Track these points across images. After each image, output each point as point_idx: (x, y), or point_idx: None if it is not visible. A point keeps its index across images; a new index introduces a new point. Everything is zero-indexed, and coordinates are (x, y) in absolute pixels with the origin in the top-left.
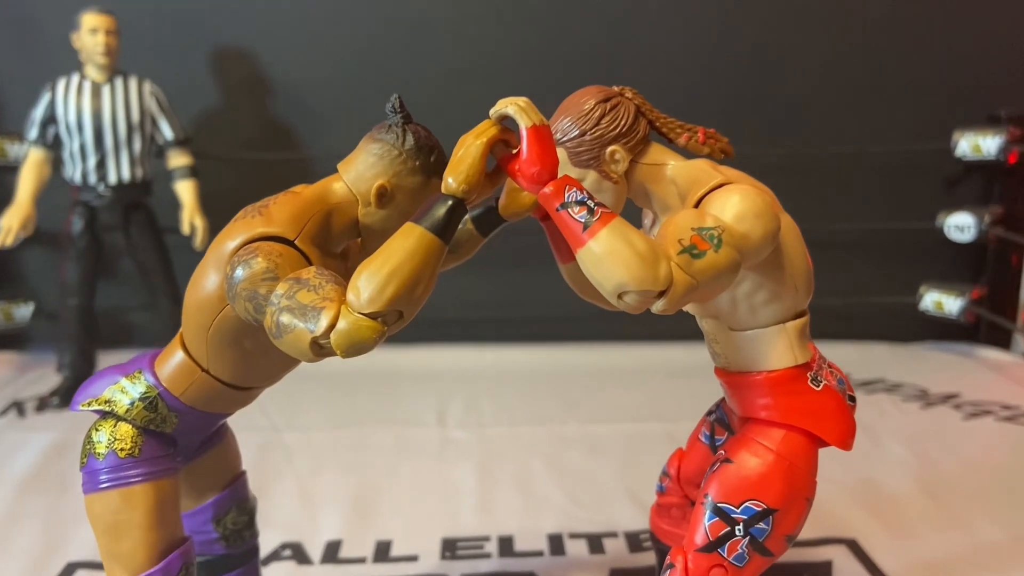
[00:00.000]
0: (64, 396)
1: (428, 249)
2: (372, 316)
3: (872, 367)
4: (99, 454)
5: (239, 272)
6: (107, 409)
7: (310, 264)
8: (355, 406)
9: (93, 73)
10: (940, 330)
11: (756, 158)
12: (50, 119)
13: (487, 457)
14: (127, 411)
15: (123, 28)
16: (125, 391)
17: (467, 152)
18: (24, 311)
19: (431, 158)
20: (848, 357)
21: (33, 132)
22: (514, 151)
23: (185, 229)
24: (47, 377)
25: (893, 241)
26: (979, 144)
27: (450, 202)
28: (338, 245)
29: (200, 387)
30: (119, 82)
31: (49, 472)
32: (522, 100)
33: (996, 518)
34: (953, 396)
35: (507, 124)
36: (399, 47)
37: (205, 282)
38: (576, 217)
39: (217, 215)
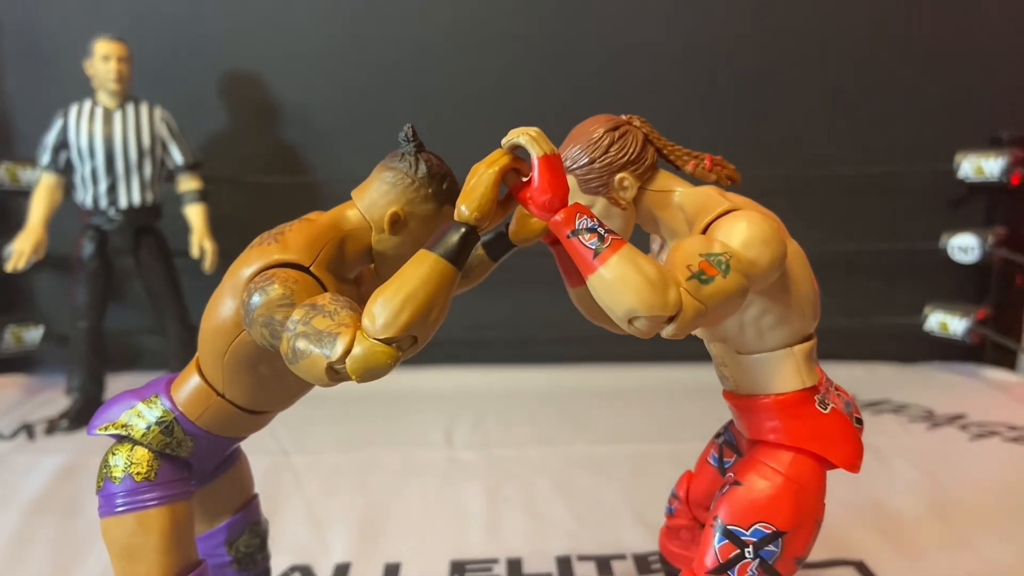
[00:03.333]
0: (73, 419)
1: (442, 275)
2: (387, 342)
3: (878, 388)
4: (115, 478)
5: (256, 298)
6: (124, 433)
7: (325, 290)
8: (363, 428)
9: (105, 99)
10: (945, 350)
11: (763, 180)
12: (62, 144)
13: (495, 478)
14: (143, 435)
15: (134, 55)
16: (141, 415)
17: (479, 180)
18: (34, 334)
19: (443, 186)
20: (854, 377)
21: (45, 157)
22: (525, 179)
23: (195, 252)
24: (56, 400)
25: (898, 262)
26: (982, 166)
27: (463, 229)
28: (352, 271)
29: (216, 411)
30: (130, 108)
31: (59, 495)
32: (533, 130)
33: (1004, 538)
34: (959, 417)
35: (518, 153)
36: (405, 72)
37: (221, 308)
38: (587, 244)
39: (226, 238)
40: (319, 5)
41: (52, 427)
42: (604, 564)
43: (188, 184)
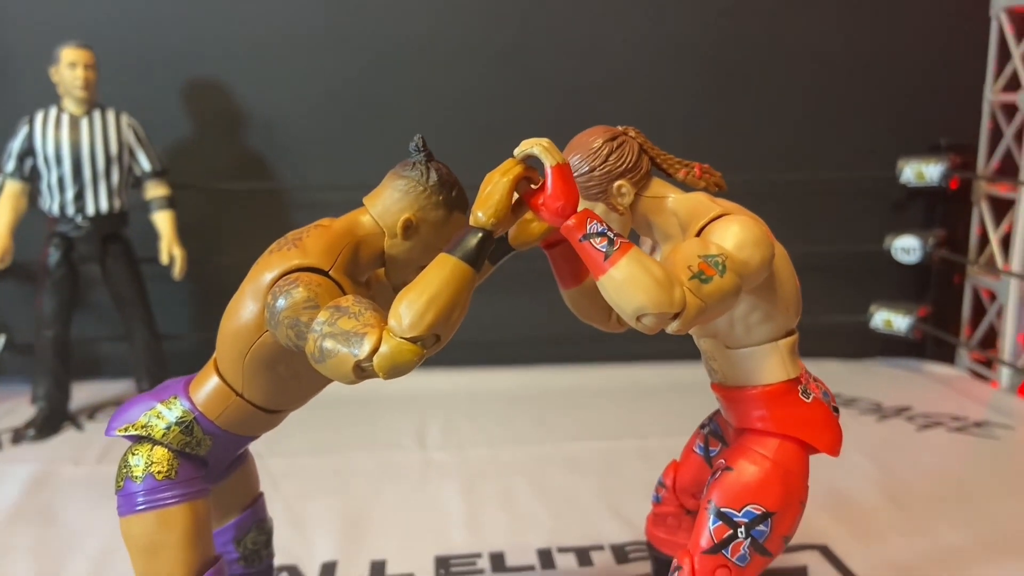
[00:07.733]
0: (39, 428)
1: (462, 277)
2: (413, 340)
3: (828, 382)
4: (136, 477)
5: (281, 301)
6: (144, 434)
7: (344, 293)
8: (336, 431)
9: (71, 106)
10: (890, 346)
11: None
12: (27, 152)
13: (469, 477)
14: (164, 435)
15: (100, 61)
16: (161, 416)
17: (495, 188)
18: None
19: (452, 193)
20: None
21: (10, 165)
22: (534, 187)
23: (164, 259)
24: (21, 409)
25: (844, 263)
26: (922, 171)
27: (480, 234)
28: (364, 274)
29: (234, 411)
30: (97, 115)
31: (32, 504)
32: (545, 141)
33: (955, 522)
34: (905, 409)
35: (530, 163)
36: (370, 81)
37: (242, 311)
38: (598, 247)
39: (194, 245)
40: (284, 13)
41: (18, 436)
42: (584, 555)
43: (156, 191)
